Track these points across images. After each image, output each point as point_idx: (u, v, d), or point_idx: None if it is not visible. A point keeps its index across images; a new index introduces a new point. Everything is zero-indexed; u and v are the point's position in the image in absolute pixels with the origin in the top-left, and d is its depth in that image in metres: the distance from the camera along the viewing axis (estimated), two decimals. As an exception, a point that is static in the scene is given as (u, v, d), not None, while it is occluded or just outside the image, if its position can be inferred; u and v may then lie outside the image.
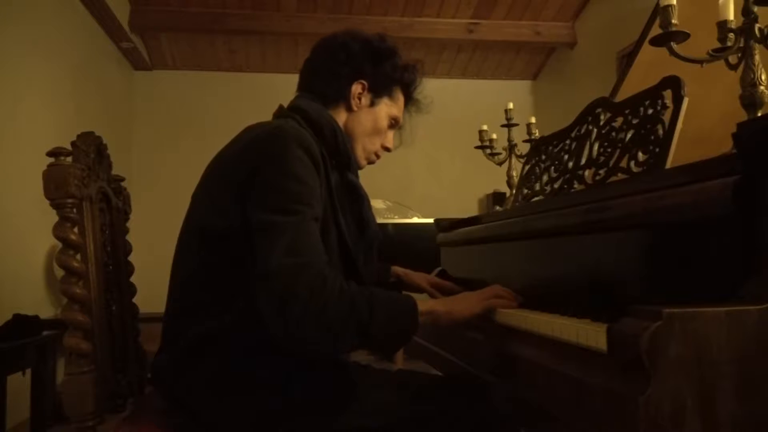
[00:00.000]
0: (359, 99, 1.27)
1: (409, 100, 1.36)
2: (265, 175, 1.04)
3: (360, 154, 1.29)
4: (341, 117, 1.27)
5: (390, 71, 1.29)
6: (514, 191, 2.15)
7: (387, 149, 1.34)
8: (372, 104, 1.28)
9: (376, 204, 3.55)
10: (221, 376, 1.04)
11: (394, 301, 1.01)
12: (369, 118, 1.28)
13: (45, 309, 3.20)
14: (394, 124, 1.33)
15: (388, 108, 1.30)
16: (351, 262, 1.18)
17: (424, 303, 1.05)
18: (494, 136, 2.74)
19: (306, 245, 0.98)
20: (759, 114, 1.25)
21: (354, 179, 1.26)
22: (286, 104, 1.30)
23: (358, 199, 1.25)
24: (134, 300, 1.46)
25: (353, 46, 1.27)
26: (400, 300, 1.03)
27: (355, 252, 1.20)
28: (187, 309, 1.10)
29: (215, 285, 1.08)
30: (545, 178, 1.50)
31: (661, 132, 1.10)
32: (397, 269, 1.56)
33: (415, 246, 2.62)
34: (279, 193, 1.02)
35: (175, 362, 1.09)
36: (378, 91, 1.28)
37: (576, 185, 1.33)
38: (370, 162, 1.33)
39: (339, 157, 1.21)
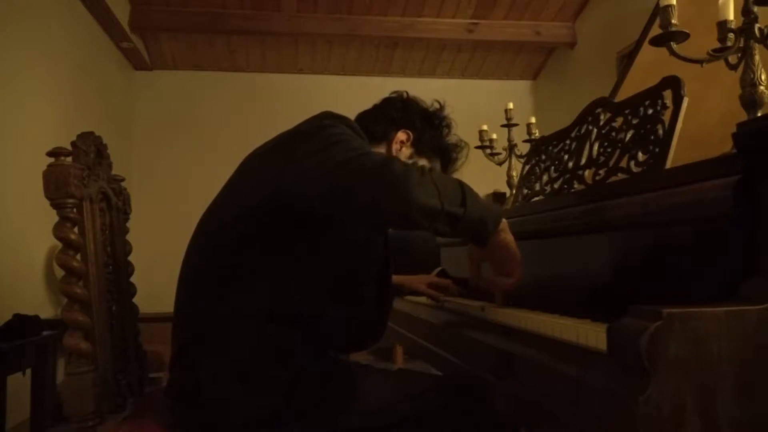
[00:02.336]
0: (400, 146, 1.30)
1: None
2: (317, 141, 1.04)
3: None
4: None
5: (437, 138, 1.34)
6: (514, 191, 2.15)
7: None
8: (410, 158, 1.31)
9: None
10: (224, 375, 1.04)
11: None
12: None
13: (45, 309, 3.20)
14: None
15: None
16: (387, 274, 1.20)
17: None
18: (494, 136, 2.74)
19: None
20: (759, 114, 1.25)
21: None
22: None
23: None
24: (134, 300, 1.46)
25: (411, 102, 1.35)
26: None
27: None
28: (199, 302, 1.10)
29: (229, 277, 1.08)
30: (545, 178, 1.50)
31: (661, 132, 1.10)
32: (394, 278, 1.56)
33: (415, 246, 2.61)
34: (337, 144, 1.01)
35: (183, 357, 1.09)
36: (420, 149, 1.32)
37: (576, 185, 1.33)
38: None
39: None
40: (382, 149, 1.30)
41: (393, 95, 1.37)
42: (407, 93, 1.37)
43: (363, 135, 1.13)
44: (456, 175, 1.39)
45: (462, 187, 0.98)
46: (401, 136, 1.30)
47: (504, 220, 1.05)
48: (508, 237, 1.06)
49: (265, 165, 1.10)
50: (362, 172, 0.94)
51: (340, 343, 1.18)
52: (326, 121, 1.10)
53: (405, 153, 1.30)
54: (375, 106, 1.36)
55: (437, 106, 1.37)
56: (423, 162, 1.32)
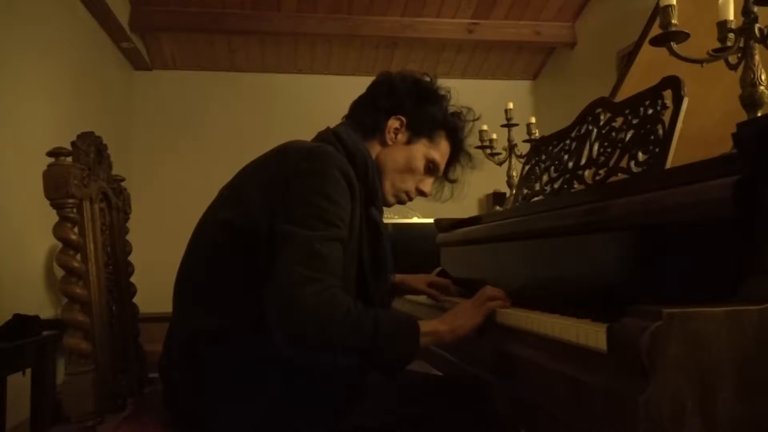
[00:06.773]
0: (395, 134, 1.26)
1: (457, 149, 1.33)
2: (297, 189, 1.04)
3: (388, 190, 1.27)
4: (374, 150, 1.25)
5: (433, 113, 1.27)
6: (514, 191, 2.15)
7: (422, 193, 1.31)
8: (408, 142, 1.26)
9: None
10: (222, 377, 1.04)
11: (397, 325, 0.99)
12: (403, 155, 1.26)
13: (45, 309, 3.19)
14: (432, 168, 1.29)
15: (426, 149, 1.27)
16: (365, 290, 1.17)
17: (426, 324, 1.03)
18: (494, 136, 2.74)
19: (322, 261, 0.97)
20: (759, 114, 1.25)
21: (376, 215, 1.23)
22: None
23: (377, 237, 1.21)
24: (134, 300, 1.46)
25: (398, 83, 1.28)
26: (403, 324, 1.01)
27: (371, 287, 1.18)
28: (196, 305, 1.10)
29: (227, 282, 1.07)
30: (545, 178, 1.50)
31: (661, 132, 1.10)
32: (395, 277, 1.55)
33: (415, 246, 2.61)
34: (307, 208, 1.01)
35: (178, 359, 1.09)
36: (417, 130, 1.26)
37: (576, 185, 1.33)
38: (400, 201, 1.30)
39: (366, 190, 1.18)
40: (375, 143, 1.26)
41: (379, 78, 1.31)
42: (391, 72, 1.31)
43: (353, 175, 1.10)
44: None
45: (374, 339, 0.95)
46: (393, 123, 1.25)
47: (423, 330, 1.02)
48: (453, 332, 1.05)
49: (263, 196, 1.07)
50: (295, 300, 0.93)
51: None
52: (327, 167, 1.06)
53: (401, 139, 1.25)
54: (363, 95, 1.31)
55: (428, 79, 1.31)
56: (423, 143, 1.27)
